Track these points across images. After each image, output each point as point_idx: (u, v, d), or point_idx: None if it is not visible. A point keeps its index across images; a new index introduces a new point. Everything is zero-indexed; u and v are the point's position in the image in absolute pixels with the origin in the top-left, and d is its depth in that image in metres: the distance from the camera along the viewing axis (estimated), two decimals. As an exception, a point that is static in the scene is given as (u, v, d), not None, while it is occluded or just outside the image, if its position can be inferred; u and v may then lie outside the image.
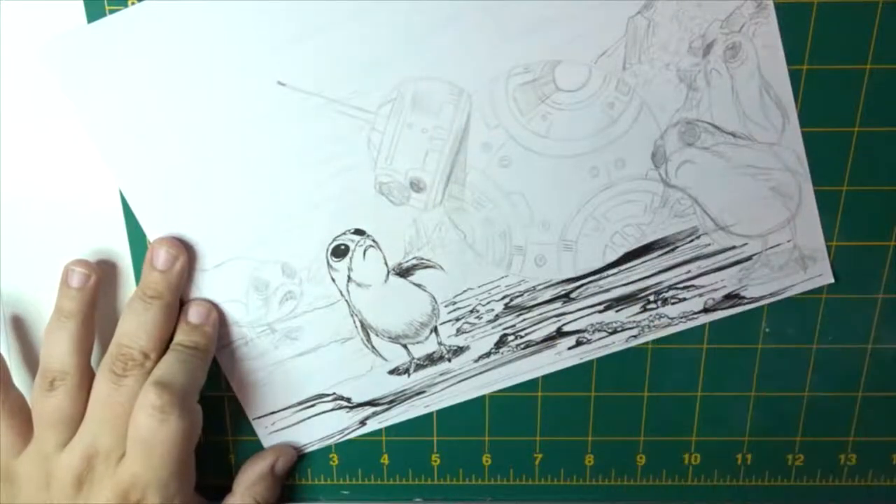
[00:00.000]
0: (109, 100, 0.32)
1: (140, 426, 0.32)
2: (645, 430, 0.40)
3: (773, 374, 0.38)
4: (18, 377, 0.37)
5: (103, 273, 0.35)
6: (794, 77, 0.33)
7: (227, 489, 0.39)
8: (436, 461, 0.40)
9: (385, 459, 0.40)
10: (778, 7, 0.32)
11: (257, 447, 0.39)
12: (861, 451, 0.40)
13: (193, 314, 0.35)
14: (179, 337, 0.35)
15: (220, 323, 0.36)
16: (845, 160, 0.34)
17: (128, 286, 0.36)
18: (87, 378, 0.34)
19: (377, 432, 0.39)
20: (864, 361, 0.38)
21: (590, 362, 0.38)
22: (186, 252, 0.35)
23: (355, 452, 0.40)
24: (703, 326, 0.37)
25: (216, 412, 0.39)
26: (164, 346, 0.34)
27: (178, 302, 0.35)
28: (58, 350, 0.34)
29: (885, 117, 0.34)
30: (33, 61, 0.32)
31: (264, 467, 0.38)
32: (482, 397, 0.38)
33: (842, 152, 0.34)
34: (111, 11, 0.31)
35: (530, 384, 0.38)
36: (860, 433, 0.39)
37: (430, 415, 0.39)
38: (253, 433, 0.39)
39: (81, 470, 0.33)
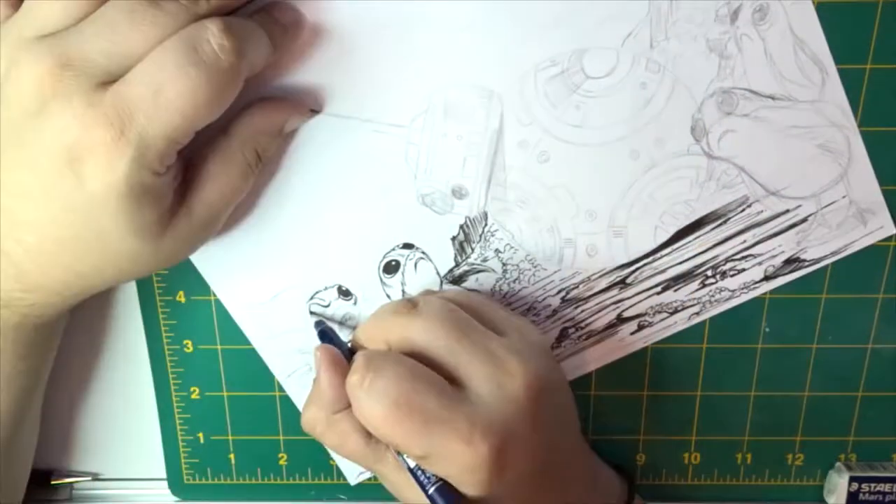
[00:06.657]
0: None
1: (170, 62, 0.25)
2: (645, 430, 0.39)
3: (773, 374, 0.38)
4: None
5: None
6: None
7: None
8: None
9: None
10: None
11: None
12: (861, 451, 0.39)
13: None
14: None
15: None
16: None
17: (129, 287, 0.37)
18: None
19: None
20: (864, 361, 0.38)
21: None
22: None
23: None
24: (703, 326, 0.37)
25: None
26: None
27: None
28: None
29: (883, 117, 0.33)
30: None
31: (276, 122, 0.31)
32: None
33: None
34: None
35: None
36: (860, 433, 0.39)
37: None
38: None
39: (44, 76, 0.25)
